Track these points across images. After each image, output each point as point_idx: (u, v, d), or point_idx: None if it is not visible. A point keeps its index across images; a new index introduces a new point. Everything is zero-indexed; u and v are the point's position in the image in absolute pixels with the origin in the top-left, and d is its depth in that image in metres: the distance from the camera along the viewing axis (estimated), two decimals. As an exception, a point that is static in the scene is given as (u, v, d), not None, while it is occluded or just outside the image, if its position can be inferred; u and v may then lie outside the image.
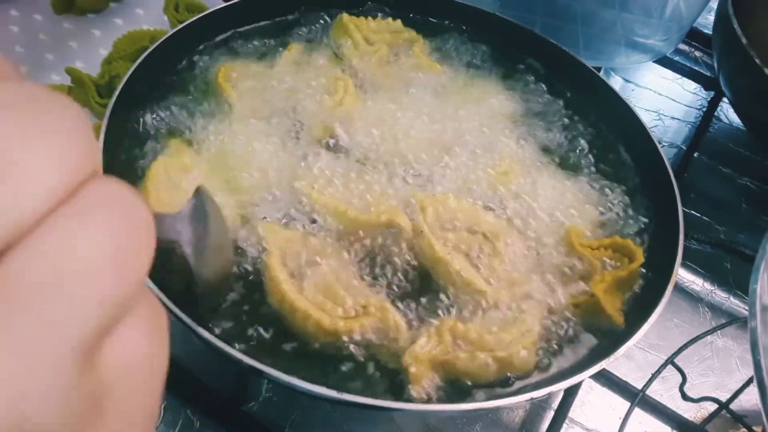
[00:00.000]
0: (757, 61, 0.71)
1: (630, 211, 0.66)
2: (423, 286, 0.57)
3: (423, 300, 0.55)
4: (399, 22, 0.78)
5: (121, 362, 0.18)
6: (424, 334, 0.52)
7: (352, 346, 0.51)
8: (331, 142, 0.65)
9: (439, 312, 0.55)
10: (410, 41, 0.78)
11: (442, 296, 0.56)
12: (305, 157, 0.63)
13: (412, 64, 0.75)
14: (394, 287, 0.56)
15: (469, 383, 0.51)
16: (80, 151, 0.17)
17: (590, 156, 0.71)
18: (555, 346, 0.55)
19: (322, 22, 0.78)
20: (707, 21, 0.95)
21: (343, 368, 0.51)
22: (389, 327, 0.51)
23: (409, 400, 0.50)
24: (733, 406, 0.62)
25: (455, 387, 0.51)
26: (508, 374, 0.52)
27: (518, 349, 0.52)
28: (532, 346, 0.53)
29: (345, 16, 0.75)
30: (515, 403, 0.52)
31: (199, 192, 0.43)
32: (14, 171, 0.16)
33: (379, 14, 0.79)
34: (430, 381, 0.51)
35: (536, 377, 0.54)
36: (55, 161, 0.16)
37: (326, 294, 0.52)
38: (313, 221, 0.58)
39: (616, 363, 0.52)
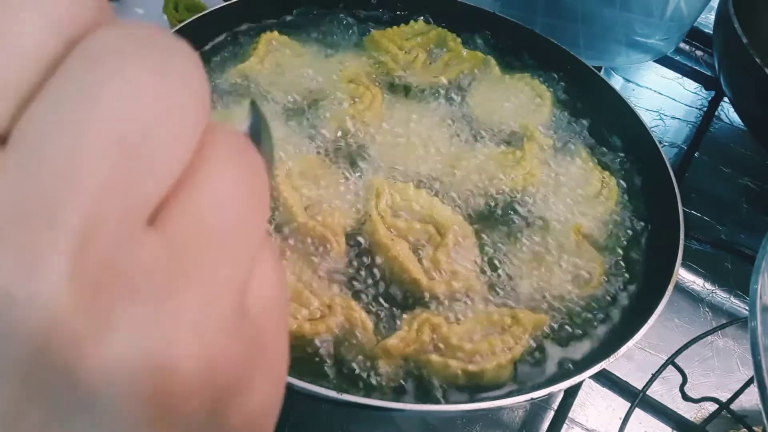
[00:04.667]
0: (758, 60, 0.71)
1: (630, 211, 0.66)
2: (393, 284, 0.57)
3: (397, 299, 0.55)
4: (421, 21, 0.79)
5: (264, 299, 0.19)
6: (404, 327, 0.52)
7: (321, 348, 0.51)
8: (339, 140, 0.65)
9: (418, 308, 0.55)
10: (440, 38, 0.78)
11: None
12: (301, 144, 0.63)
13: (452, 58, 0.75)
14: (362, 286, 0.56)
15: (437, 383, 0.51)
16: (202, 99, 0.17)
17: (589, 156, 0.70)
18: (554, 346, 0.55)
19: (340, 22, 0.78)
20: (708, 20, 0.95)
21: (315, 368, 0.51)
22: (356, 325, 0.51)
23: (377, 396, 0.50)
24: (733, 406, 0.62)
25: (422, 384, 0.51)
26: (475, 386, 0.52)
27: (493, 365, 0.51)
28: (509, 364, 0.52)
29: (376, 33, 0.76)
30: (516, 403, 0.52)
31: (254, 107, 0.42)
32: (163, 128, 0.15)
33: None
34: (397, 373, 0.51)
35: (536, 378, 0.54)
36: (192, 112, 0.16)
37: (292, 297, 0.52)
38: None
39: (616, 363, 0.52)
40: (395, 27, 0.77)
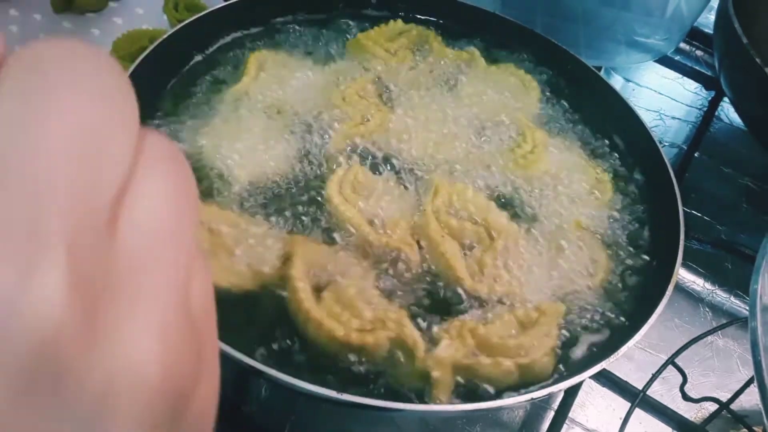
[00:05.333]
0: (758, 60, 0.71)
1: (630, 211, 0.66)
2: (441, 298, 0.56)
3: (439, 310, 0.55)
4: (400, 21, 0.78)
5: (201, 301, 0.19)
6: (445, 336, 0.52)
7: (364, 359, 0.51)
8: (356, 150, 0.65)
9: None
10: (422, 36, 0.78)
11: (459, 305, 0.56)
12: (327, 162, 0.64)
13: (438, 58, 0.75)
14: (413, 300, 0.56)
15: (490, 388, 0.51)
16: (134, 106, 0.18)
17: (590, 157, 0.70)
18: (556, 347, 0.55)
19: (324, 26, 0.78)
20: (708, 20, 0.94)
21: (355, 380, 0.51)
22: (406, 342, 0.51)
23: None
24: (733, 406, 0.62)
25: (475, 391, 0.51)
26: (528, 380, 0.52)
27: (540, 354, 0.52)
28: (551, 351, 0.53)
29: (361, 36, 0.75)
30: (516, 403, 0.52)
31: None
32: (108, 143, 0.17)
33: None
34: (453, 387, 0.51)
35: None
36: (129, 125, 0.18)
37: (345, 306, 0.52)
38: (328, 229, 0.58)
39: (616, 363, 0.52)
40: (376, 27, 0.77)
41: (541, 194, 0.65)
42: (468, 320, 0.53)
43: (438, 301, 0.56)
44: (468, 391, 0.51)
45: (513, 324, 0.54)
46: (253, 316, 0.53)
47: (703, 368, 0.68)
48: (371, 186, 0.61)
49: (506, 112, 0.71)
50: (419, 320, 0.54)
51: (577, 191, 0.66)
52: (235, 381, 0.58)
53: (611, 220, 0.65)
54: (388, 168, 0.64)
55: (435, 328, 0.53)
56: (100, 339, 0.15)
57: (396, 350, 0.51)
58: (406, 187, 0.63)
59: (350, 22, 0.79)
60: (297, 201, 0.60)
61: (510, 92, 0.73)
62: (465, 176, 0.64)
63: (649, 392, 0.62)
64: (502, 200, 0.64)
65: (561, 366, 0.54)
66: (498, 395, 0.51)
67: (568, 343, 0.56)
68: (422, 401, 0.50)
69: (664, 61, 0.93)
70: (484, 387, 0.51)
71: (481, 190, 0.64)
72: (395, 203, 0.61)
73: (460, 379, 0.51)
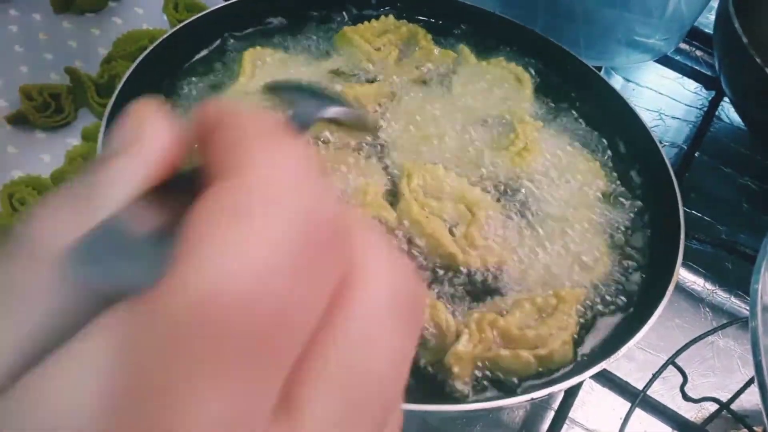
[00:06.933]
0: (758, 60, 0.71)
1: (631, 211, 0.66)
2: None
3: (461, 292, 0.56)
4: (391, 17, 0.78)
5: None
6: (466, 331, 0.52)
7: None
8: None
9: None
10: (411, 34, 0.78)
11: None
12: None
13: (424, 56, 0.75)
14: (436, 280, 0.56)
15: (513, 378, 0.52)
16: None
17: (589, 156, 0.70)
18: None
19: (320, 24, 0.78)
20: (708, 20, 0.94)
21: None
22: (440, 325, 0.52)
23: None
24: (734, 406, 0.62)
25: (497, 381, 0.52)
26: (549, 368, 0.53)
27: (559, 344, 0.52)
28: (570, 339, 0.54)
29: (348, 29, 0.75)
30: (515, 403, 0.52)
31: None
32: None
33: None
34: (472, 377, 0.52)
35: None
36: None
37: None
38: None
39: (616, 363, 0.52)
40: (366, 23, 0.77)
41: (538, 191, 0.64)
42: (487, 313, 0.53)
43: (457, 287, 0.56)
44: (491, 383, 0.52)
45: (532, 313, 0.55)
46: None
47: (704, 368, 0.68)
48: (338, 163, 0.62)
49: (499, 108, 0.71)
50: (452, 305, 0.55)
51: (575, 188, 0.66)
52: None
53: (611, 219, 0.65)
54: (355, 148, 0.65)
55: (459, 317, 0.54)
56: None
57: (431, 335, 0.52)
58: (369, 156, 0.64)
59: (349, 21, 0.79)
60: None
61: (503, 87, 0.73)
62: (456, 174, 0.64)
63: (649, 392, 0.62)
64: (498, 197, 0.64)
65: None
66: (520, 386, 0.52)
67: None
68: (439, 392, 0.50)
69: (664, 61, 0.93)
70: (507, 378, 0.52)
71: (475, 186, 0.64)
72: (362, 175, 0.61)
73: (481, 371, 0.52)
